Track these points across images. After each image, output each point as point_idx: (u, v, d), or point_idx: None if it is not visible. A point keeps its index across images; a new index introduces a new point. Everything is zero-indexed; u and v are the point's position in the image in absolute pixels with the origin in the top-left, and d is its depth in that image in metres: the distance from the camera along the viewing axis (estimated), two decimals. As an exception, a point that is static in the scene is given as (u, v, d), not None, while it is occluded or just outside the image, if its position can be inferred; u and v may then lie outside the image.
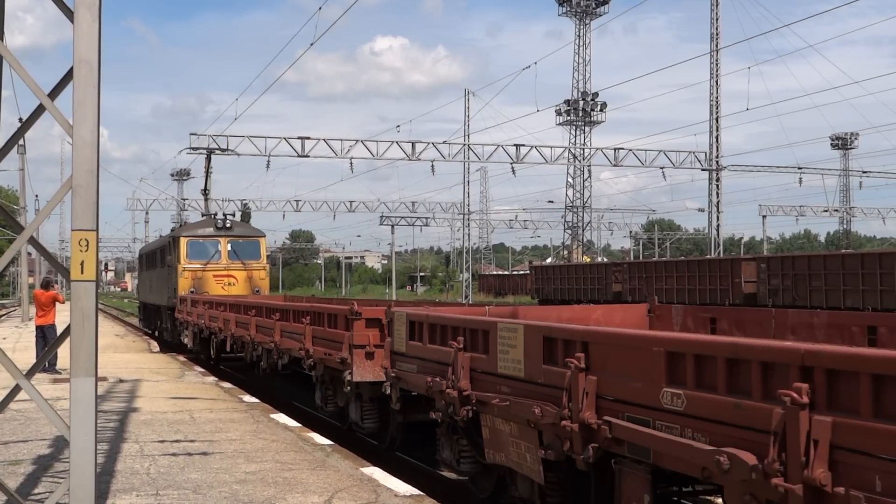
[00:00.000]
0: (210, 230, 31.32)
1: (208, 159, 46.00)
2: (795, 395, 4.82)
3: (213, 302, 24.05)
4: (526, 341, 7.58)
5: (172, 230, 35.50)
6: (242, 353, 19.89)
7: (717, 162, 62.28)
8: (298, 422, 13.76)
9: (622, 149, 60.52)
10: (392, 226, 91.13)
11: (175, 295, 30.09)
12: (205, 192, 41.49)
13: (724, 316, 10.53)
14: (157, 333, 35.52)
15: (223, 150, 49.43)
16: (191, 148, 50.09)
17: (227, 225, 31.45)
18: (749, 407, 5.23)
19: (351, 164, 55.98)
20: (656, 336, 6.40)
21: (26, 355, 22.58)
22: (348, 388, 12.52)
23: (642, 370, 6.16)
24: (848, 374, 4.73)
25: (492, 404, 7.94)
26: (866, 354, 5.00)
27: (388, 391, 10.76)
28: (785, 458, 4.90)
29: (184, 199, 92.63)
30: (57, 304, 21.83)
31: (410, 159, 56.70)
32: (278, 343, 16.19)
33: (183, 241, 30.82)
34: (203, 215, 37.06)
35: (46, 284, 22.75)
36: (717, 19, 61.72)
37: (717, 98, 62.11)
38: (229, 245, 31.12)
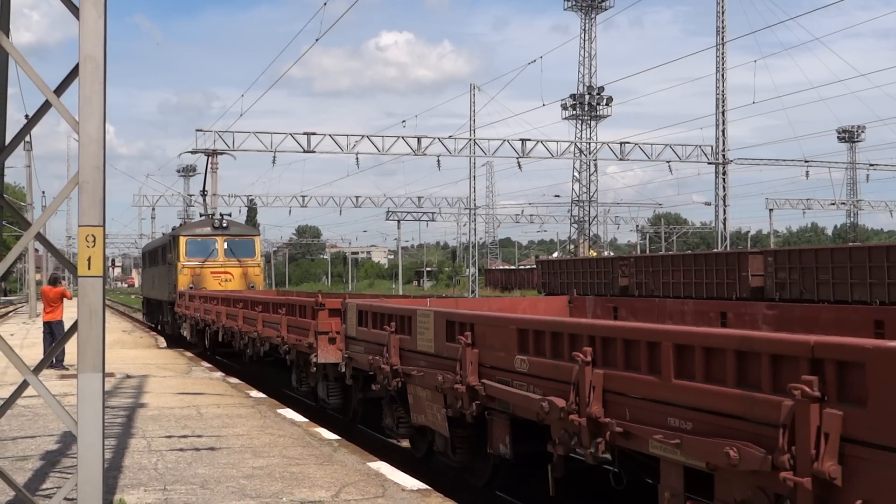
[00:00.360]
0: (208, 230, 33.23)
1: (208, 161, 47.80)
2: (582, 355, 6.67)
3: (207, 297, 25.76)
4: (435, 324, 9.61)
5: (173, 229, 37.61)
6: (233, 342, 21.72)
7: (724, 155, 62.17)
8: (305, 417, 13.79)
9: (628, 143, 60.47)
10: (398, 221, 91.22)
11: (175, 291, 31.74)
12: (203, 192, 43.31)
13: (624, 306, 13.21)
14: (159, 327, 37.34)
15: (222, 153, 50.79)
16: (190, 152, 50.50)
17: (224, 224, 33.33)
18: (563, 367, 7.12)
19: (357, 159, 55.98)
20: (510, 317, 8.67)
21: (34, 351, 22.65)
22: (314, 368, 14.60)
23: (504, 343, 8.21)
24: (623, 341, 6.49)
25: (413, 375, 9.98)
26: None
27: (344, 370, 12.84)
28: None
29: (190, 195, 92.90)
30: (65, 300, 21.89)
31: (416, 154, 56.68)
32: (260, 332, 18.38)
33: (182, 240, 32.71)
34: (201, 215, 38.86)
35: (54, 281, 22.81)
36: (722, 13, 61.56)
37: (723, 91, 61.98)
38: (226, 243, 32.95)
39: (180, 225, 39.06)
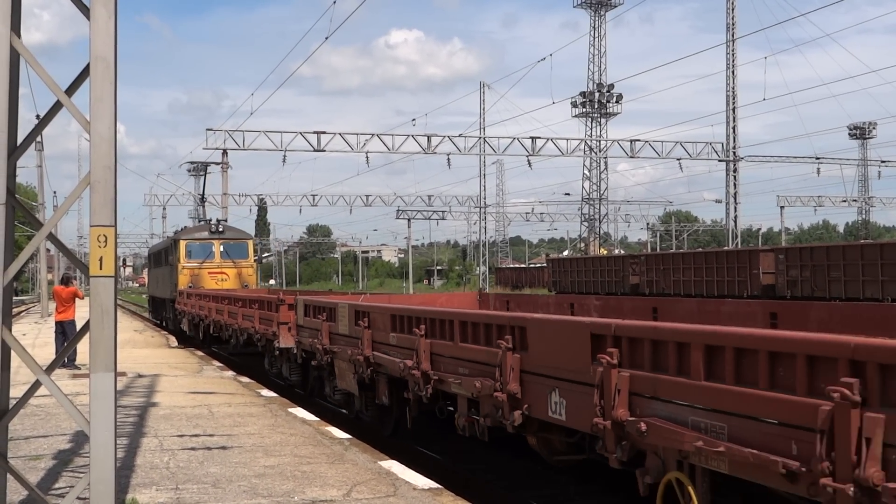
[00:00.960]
0: (205, 234, 36.49)
1: (206, 169, 53.17)
2: (505, 343, 8.18)
3: (202, 295, 29.04)
4: (348, 314, 13.03)
5: (175, 233, 42.00)
6: (220, 334, 25.38)
7: (735, 153, 62.03)
8: (316, 416, 13.80)
9: (639, 140, 60.39)
10: (408, 219, 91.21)
11: (175, 289, 34.90)
12: (202, 198, 48.23)
13: (515, 300, 17.43)
14: (163, 323, 40.50)
15: (215, 164, 56.15)
16: (190, 163, 51.72)
17: (220, 229, 36.68)
18: (410, 339, 10.56)
19: (367, 158, 56.06)
20: (386, 307, 12.31)
21: (46, 351, 22.72)
22: (278, 352, 18.36)
23: (385, 325, 11.62)
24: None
25: (336, 351, 13.46)
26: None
27: (296, 351, 16.61)
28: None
29: (200, 194, 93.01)
30: (76, 300, 21.95)
31: (426, 153, 56.72)
32: (240, 325, 21.79)
33: (182, 244, 35.94)
34: (199, 221, 42.31)
35: (66, 280, 22.87)
36: (732, 9, 61.42)
37: (733, 88, 61.84)
38: (221, 247, 36.06)
39: (181, 230, 42.23)
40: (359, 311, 12.63)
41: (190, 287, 33.87)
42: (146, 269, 58.02)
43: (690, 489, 6.01)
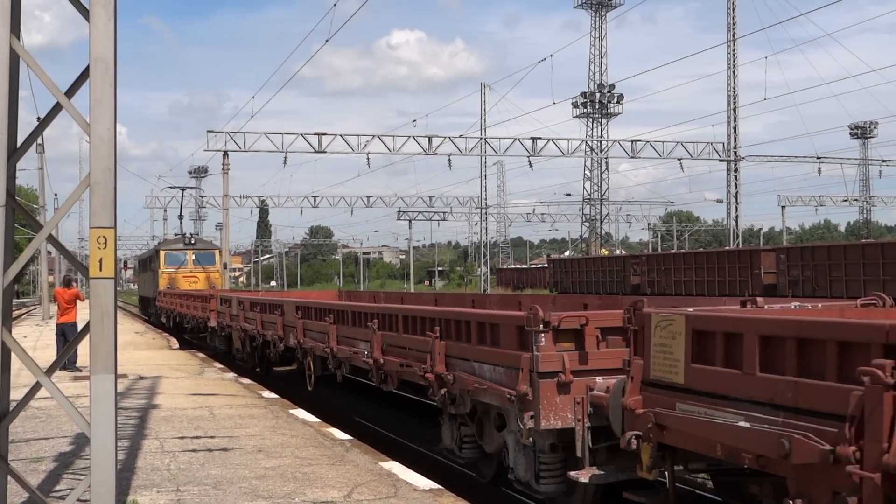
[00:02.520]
0: (180, 245, 45.87)
1: (183, 193, 60.89)
2: (279, 313, 17.50)
3: (173, 293, 37.56)
4: (235, 302, 22.42)
5: (158, 244, 52.01)
6: (184, 323, 32.69)
7: (736, 152, 62.01)
8: (318, 417, 13.79)
9: (639, 140, 60.34)
10: (409, 220, 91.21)
11: (156, 290, 43.52)
12: (180, 217, 57.24)
13: (385, 296, 24.02)
14: (149, 318, 49.17)
15: (194, 189, 71.44)
16: (172, 187, 54.70)
17: (192, 242, 46.57)
18: (261, 316, 19.90)
19: (368, 159, 55.98)
20: (251, 298, 22.63)
21: (47, 353, 22.72)
22: (210, 330, 26.62)
23: (253, 307, 20.68)
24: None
25: (232, 325, 22.46)
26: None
27: (217, 328, 25.55)
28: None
29: (202, 197, 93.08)
30: (78, 302, 21.94)
31: (427, 154, 56.67)
32: (193, 314, 29.72)
33: (162, 254, 45.31)
34: (176, 235, 52.68)
35: (67, 282, 22.87)
36: (733, 9, 61.42)
37: (734, 88, 61.83)
38: (193, 255, 45.05)
39: (162, 241, 53.11)
40: (241, 300, 22.32)
41: (168, 288, 41.43)
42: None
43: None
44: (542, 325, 7.64)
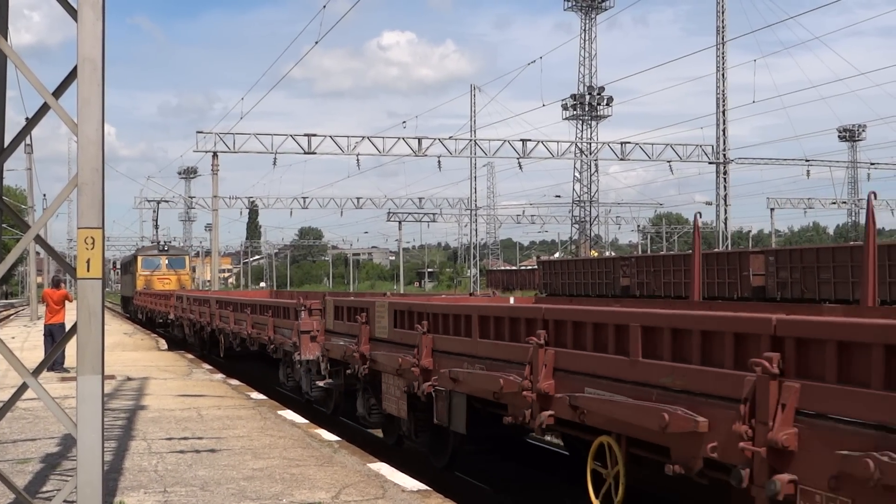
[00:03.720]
0: (155, 251, 54.77)
1: (156, 210, 71.55)
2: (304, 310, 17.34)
3: (146, 293, 45.57)
4: (187, 299, 30.10)
5: (137, 250, 62.52)
6: (155, 317, 38.92)
7: (725, 155, 62.18)
8: (306, 418, 13.79)
9: (629, 143, 60.45)
10: (399, 222, 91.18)
11: (134, 290, 50.88)
12: (156, 226, 69.37)
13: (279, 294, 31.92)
14: (129, 315, 54.54)
15: (169, 201, 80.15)
16: (150, 200, 56.43)
17: (166, 248, 55.85)
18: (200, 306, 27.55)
19: (358, 160, 56.02)
20: (233, 298, 25.99)
21: (34, 354, 22.65)
22: (169, 319, 32.98)
23: (235, 307, 22.70)
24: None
25: (182, 316, 30.11)
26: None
27: (176, 319, 31.65)
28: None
29: (191, 197, 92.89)
30: (67, 302, 21.87)
31: (417, 155, 56.70)
32: (159, 309, 36.89)
33: (139, 258, 54.08)
34: (152, 243, 62.16)
35: (56, 283, 22.80)
36: (723, 12, 61.60)
37: (723, 91, 62.00)
38: (167, 260, 53.25)
39: (140, 248, 63.44)
40: (188, 297, 29.65)
41: (144, 288, 49.09)
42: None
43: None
44: (303, 307, 15.80)
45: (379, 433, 13.55)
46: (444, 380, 9.54)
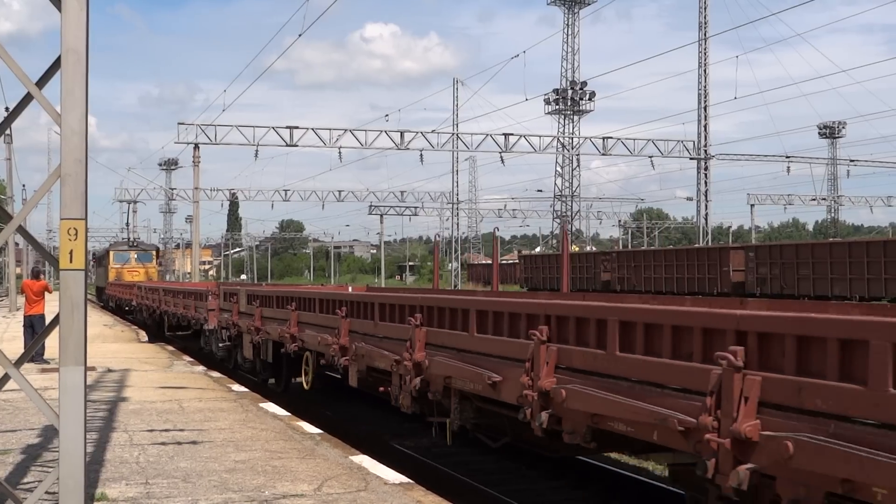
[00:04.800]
0: (125, 247, 62.41)
1: (129, 207, 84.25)
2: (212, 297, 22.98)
3: (116, 284, 51.66)
4: (144, 290, 36.70)
5: (110, 245, 70.52)
6: (123, 305, 44.57)
7: (706, 151, 62.43)
8: (288, 410, 13.79)
9: (611, 138, 60.58)
10: (381, 215, 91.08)
11: (107, 281, 56.74)
12: (127, 225, 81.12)
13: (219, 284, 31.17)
14: (104, 304, 58.76)
15: (140, 202, 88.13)
16: (121, 200, 53.42)
17: (135, 244, 63.73)
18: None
19: (339, 153, 55.94)
20: (159, 286, 34.96)
21: (14, 345, 22.53)
22: (132, 306, 39.14)
23: (174, 293, 28.93)
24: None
25: (144, 302, 35.45)
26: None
27: (136, 303, 37.87)
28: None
29: (172, 189, 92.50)
30: (46, 294, 21.75)
31: (399, 148, 56.65)
32: (125, 297, 42.82)
33: (111, 253, 61.14)
34: (123, 240, 72.12)
35: (36, 274, 22.68)
36: (705, 8, 61.78)
37: (705, 87, 62.22)
38: (136, 255, 60.17)
39: (112, 244, 71.11)
40: (145, 287, 37.08)
41: (116, 280, 54.74)
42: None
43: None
44: (210, 292, 21.93)
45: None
46: (262, 333, 16.76)
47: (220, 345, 20.97)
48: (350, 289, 20.19)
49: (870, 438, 4.59)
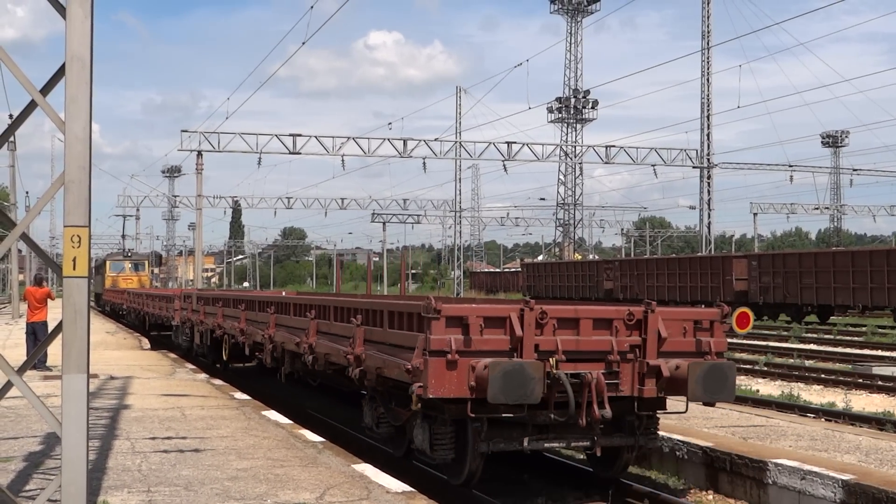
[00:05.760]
0: (121, 257, 68.94)
1: (124, 222, 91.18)
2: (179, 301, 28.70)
3: (111, 290, 56.72)
4: (131, 297, 40.91)
5: (106, 256, 77.43)
6: (117, 309, 48.75)
7: (709, 159, 62.41)
8: (290, 418, 13.77)
9: (614, 146, 60.61)
10: (384, 223, 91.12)
11: (104, 287, 61.63)
12: (123, 237, 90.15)
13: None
14: (102, 309, 62.62)
15: (132, 216, 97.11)
16: (118, 214, 51.34)
17: (129, 255, 70.90)
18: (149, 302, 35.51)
19: (342, 161, 55.98)
20: (141, 292, 40.66)
21: (17, 352, 22.51)
22: (123, 310, 43.07)
23: (152, 297, 33.99)
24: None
25: (150, 310, 34.48)
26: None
27: (126, 307, 42.62)
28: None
29: (175, 196, 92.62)
30: (48, 301, 21.73)
31: (402, 156, 56.69)
32: (117, 302, 47.31)
33: (108, 262, 67.07)
34: (119, 251, 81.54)
35: (39, 281, 22.65)
36: (708, 17, 61.84)
37: (708, 96, 62.23)
38: (129, 264, 65.87)
39: (109, 255, 78.16)
40: (131, 292, 42.44)
41: (112, 287, 59.61)
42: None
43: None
44: (176, 296, 27.44)
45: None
46: (203, 325, 22.43)
47: (184, 337, 25.77)
48: (283, 293, 26.34)
49: (387, 351, 10.43)
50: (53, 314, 14.52)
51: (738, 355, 27.86)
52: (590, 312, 9.90)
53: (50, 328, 18.71)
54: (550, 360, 9.33)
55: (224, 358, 20.96)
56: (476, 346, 9.24)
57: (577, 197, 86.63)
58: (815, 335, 35.17)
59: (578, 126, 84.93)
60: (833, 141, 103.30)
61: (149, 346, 29.80)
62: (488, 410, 9.34)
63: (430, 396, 9.09)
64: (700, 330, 10.17)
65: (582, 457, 12.41)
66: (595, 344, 9.73)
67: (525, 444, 9.98)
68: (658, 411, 10.52)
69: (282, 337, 14.83)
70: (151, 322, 32.74)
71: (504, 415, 9.47)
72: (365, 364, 10.85)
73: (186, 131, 52.27)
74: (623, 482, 10.97)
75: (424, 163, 57.95)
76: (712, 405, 10.85)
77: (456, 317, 9.26)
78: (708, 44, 61.71)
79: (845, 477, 9.43)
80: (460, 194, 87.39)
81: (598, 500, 10.73)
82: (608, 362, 9.69)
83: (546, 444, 10.41)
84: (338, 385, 15.11)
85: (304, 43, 34.20)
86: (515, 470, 12.05)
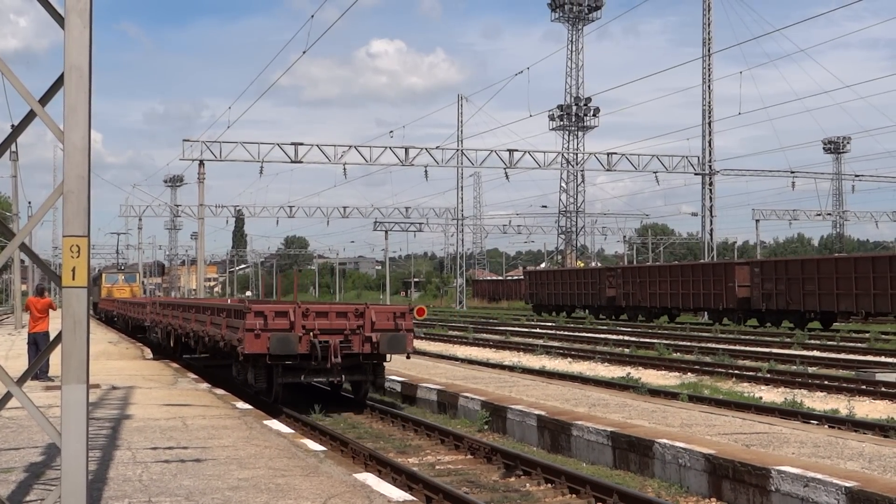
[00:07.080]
0: (115, 270, 73.91)
1: (118, 239, 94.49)
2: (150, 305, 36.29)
3: (106, 300, 60.67)
4: (124, 305, 47.50)
5: (101, 269, 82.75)
6: (111, 316, 54.52)
7: (711, 166, 62.40)
8: (292, 428, 13.74)
9: (615, 153, 60.62)
10: (386, 231, 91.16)
11: (100, 297, 65.32)
12: (117, 252, 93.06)
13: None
14: (97, 316, 67.10)
15: (125, 232, 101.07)
16: (112, 232, 51.17)
17: (123, 268, 76.08)
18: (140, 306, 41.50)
19: (344, 169, 56.01)
20: (124, 300, 51.35)
21: (18, 363, 22.51)
22: (115, 317, 50.69)
23: (133, 304, 43.19)
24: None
25: (132, 315, 41.51)
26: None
27: (116, 314, 50.51)
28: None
29: (177, 206, 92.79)
30: (50, 311, 21.72)
31: (404, 165, 56.74)
32: (110, 309, 55.11)
33: (103, 275, 71.65)
34: (113, 264, 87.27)
35: (40, 291, 22.65)
36: (709, 24, 61.89)
37: (709, 103, 62.25)
38: (123, 276, 71.20)
39: (104, 268, 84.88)
40: (120, 301, 50.04)
41: (107, 296, 64.05)
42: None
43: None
44: (146, 303, 34.81)
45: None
46: (162, 324, 28.13)
47: (153, 334, 30.76)
48: (229, 300, 33.85)
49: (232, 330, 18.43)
50: (55, 324, 14.50)
51: (740, 362, 27.83)
52: (334, 308, 18.33)
53: (52, 338, 18.67)
54: (311, 333, 17.28)
55: (171, 347, 27.20)
56: (270, 326, 17.23)
57: (579, 204, 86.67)
58: (818, 342, 35.10)
59: (580, 133, 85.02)
60: (835, 147, 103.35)
61: (151, 356, 29.79)
62: (277, 359, 17.36)
63: (246, 352, 17.29)
64: (398, 317, 18.08)
65: (348, 387, 19.95)
66: (337, 325, 17.67)
67: (302, 378, 17.89)
68: (383, 362, 18.67)
69: (195, 327, 22.34)
70: (133, 325, 39.51)
71: (287, 362, 17.44)
72: (224, 339, 18.68)
73: (188, 140, 52.40)
74: (368, 403, 18.72)
75: (426, 171, 58.07)
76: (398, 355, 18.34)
77: (259, 311, 17.46)
78: (709, 50, 61.75)
79: (849, 484, 9.39)
80: (462, 202, 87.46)
81: (351, 412, 18.30)
82: (345, 335, 17.58)
83: (315, 379, 18.42)
84: (223, 357, 21.23)
85: (304, 52, 34.23)
86: (313, 399, 18.82)
